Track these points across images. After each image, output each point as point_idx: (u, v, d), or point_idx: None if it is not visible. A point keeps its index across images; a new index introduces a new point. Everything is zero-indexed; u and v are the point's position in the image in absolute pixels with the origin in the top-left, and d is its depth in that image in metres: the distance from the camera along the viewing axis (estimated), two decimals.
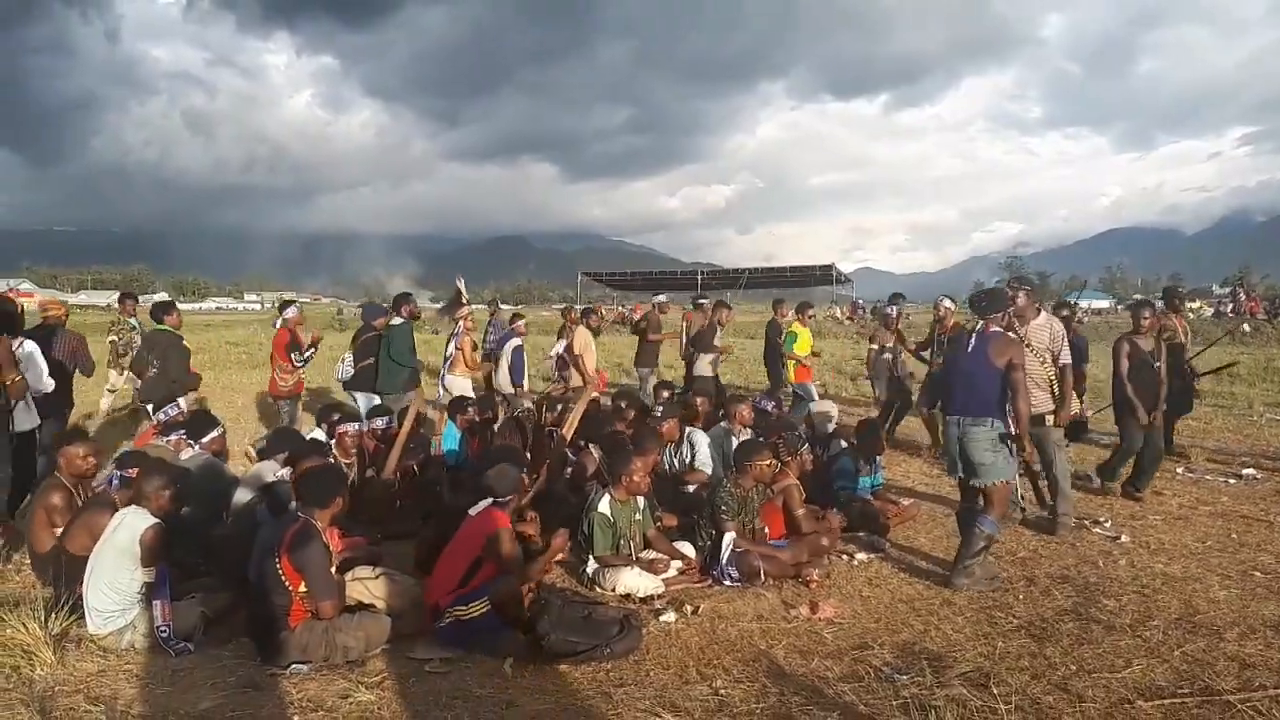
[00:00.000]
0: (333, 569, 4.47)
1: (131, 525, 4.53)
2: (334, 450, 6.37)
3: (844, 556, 6.04)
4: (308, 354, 9.72)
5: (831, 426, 8.16)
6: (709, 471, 6.96)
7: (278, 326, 9.91)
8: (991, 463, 5.42)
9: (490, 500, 4.87)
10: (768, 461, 5.84)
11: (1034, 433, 6.55)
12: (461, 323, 10.12)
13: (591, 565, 5.48)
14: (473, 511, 4.84)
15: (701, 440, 7.16)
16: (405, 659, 4.35)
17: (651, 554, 5.57)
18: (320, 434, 6.91)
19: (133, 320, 10.71)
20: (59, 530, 5.14)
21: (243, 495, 5.84)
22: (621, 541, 5.51)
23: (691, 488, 6.82)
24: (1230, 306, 39.18)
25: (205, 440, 6.41)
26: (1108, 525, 6.76)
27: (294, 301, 11.15)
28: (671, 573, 5.50)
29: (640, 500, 5.67)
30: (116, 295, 12.11)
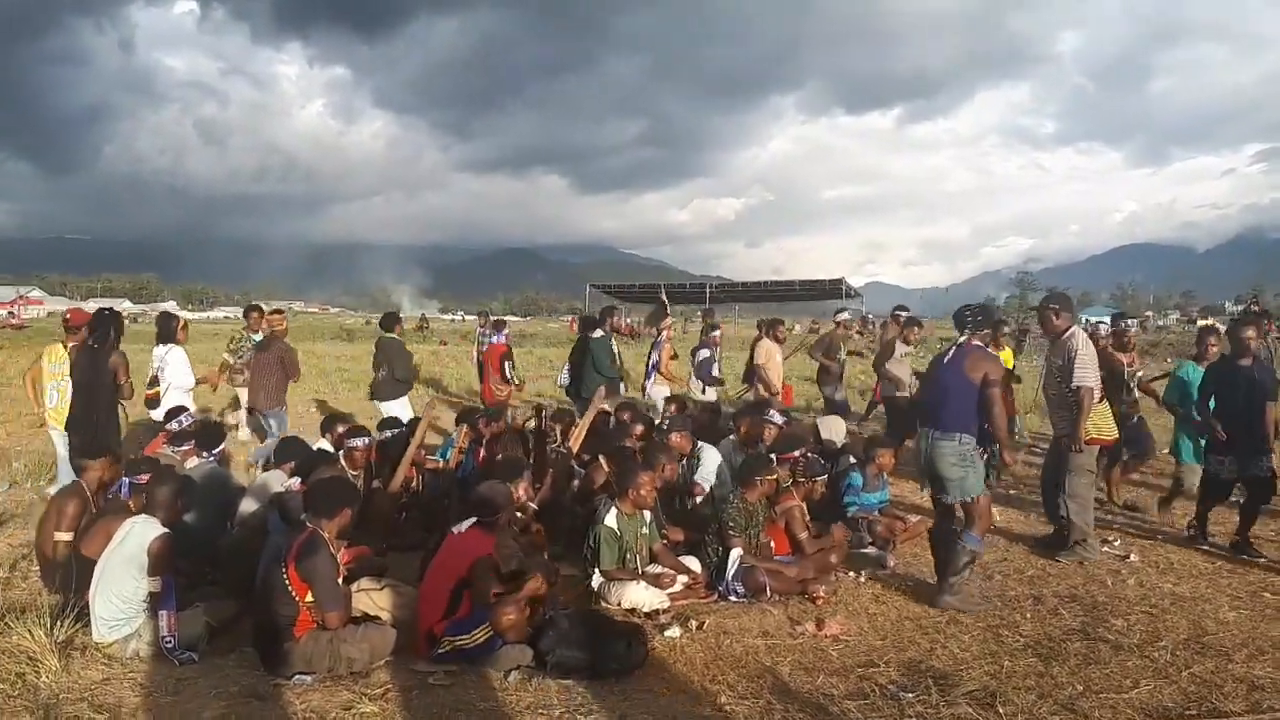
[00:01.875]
0: (340, 580, 4.48)
1: (140, 534, 4.55)
2: (342, 462, 6.38)
3: (850, 573, 6.01)
4: (512, 376, 11.20)
5: (840, 442, 8.14)
6: (706, 487, 6.92)
7: (496, 341, 11.63)
8: (960, 478, 5.34)
9: (474, 520, 4.84)
10: (774, 476, 5.83)
11: (1052, 455, 6.50)
12: (664, 333, 10.55)
13: (597, 579, 5.46)
14: (456, 530, 4.83)
15: (710, 456, 7.11)
16: (409, 671, 4.35)
17: (657, 568, 5.55)
18: (326, 444, 6.92)
19: (257, 336, 10.15)
20: (68, 536, 5.19)
21: (248, 505, 5.86)
22: (628, 555, 5.48)
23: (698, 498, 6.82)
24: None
25: (217, 450, 6.46)
26: (1116, 544, 6.71)
27: (505, 320, 13.51)
28: (677, 588, 5.48)
29: (647, 514, 5.65)
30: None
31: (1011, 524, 7.36)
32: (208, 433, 6.61)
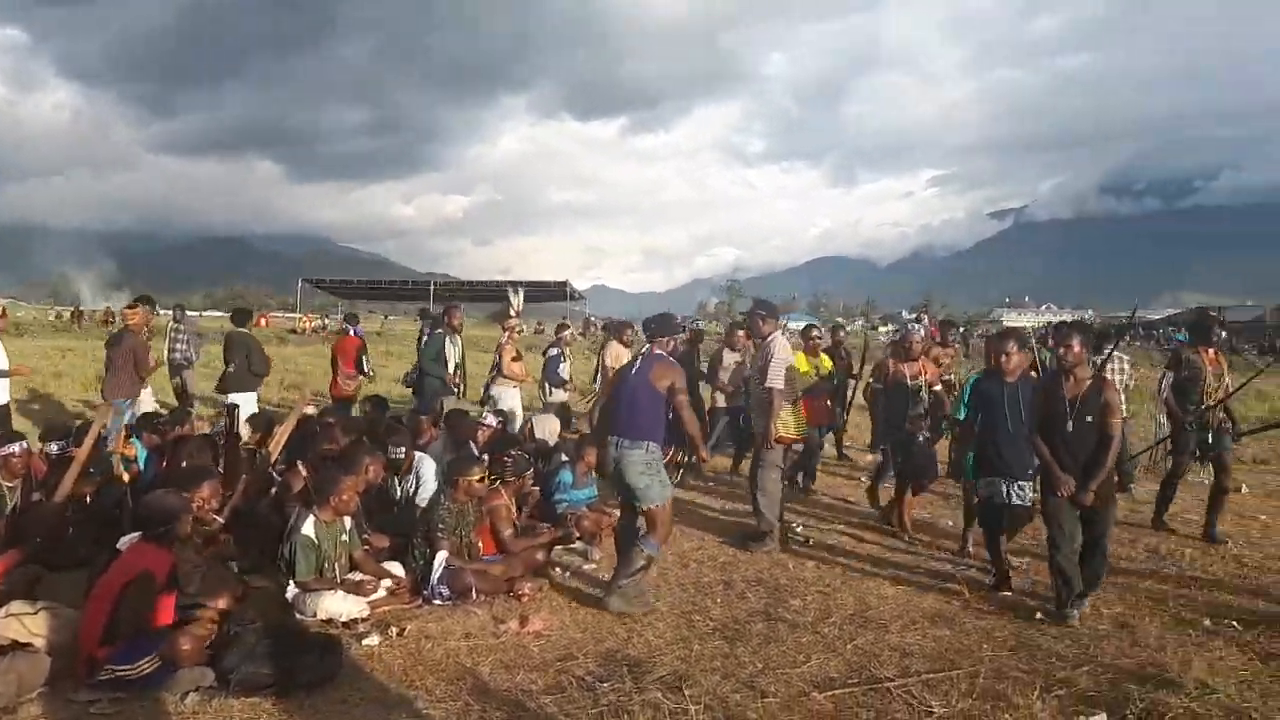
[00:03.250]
0: None
1: None
2: None
3: (557, 569, 6.12)
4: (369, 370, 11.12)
5: (553, 442, 8.27)
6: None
7: (353, 334, 11.55)
8: (647, 486, 5.42)
9: (140, 534, 4.45)
10: (479, 477, 5.81)
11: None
12: (507, 333, 10.19)
13: (291, 590, 5.17)
14: (121, 545, 4.43)
15: (428, 470, 6.93)
16: (66, 701, 3.91)
17: (358, 576, 5.36)
18: None
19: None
20: None
21: None
22: (325, 564, 5.25)
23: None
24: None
25: None
26: (799, 530, 7.27)
27: (358, 315, 13.76)
28: (380, 594, 5.31)
29: (347, 521, 5.44)
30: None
31: (707, 514, 7.79)
32: None
